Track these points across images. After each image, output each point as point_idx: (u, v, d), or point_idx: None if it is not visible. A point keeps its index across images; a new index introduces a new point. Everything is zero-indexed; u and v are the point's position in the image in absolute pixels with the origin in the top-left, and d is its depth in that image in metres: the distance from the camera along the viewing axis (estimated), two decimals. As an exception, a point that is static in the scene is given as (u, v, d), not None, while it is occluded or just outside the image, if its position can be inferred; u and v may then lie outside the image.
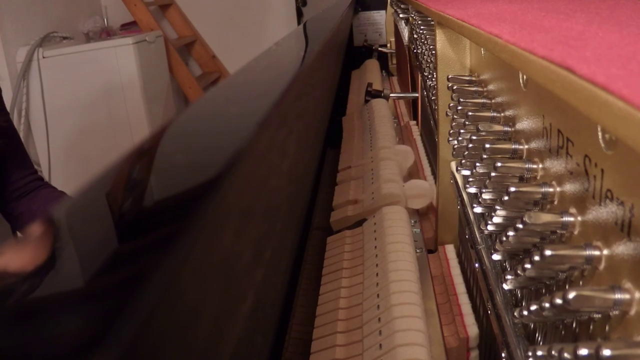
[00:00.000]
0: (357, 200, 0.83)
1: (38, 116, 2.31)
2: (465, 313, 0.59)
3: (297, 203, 0.53)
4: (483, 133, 0.47)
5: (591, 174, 0.29)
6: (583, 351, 0.23)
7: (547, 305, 0.27)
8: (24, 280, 0.17)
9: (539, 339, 0.37)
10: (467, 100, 0.55)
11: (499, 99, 0.51)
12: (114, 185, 0.25)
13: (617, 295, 0.24)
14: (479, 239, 0.52)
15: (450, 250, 0.71)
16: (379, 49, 2.16)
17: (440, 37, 0.66)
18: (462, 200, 0.61)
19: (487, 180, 0.40)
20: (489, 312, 0.46)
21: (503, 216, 0.37)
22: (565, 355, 0.24)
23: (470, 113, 0.51)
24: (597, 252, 0.28)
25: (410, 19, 1.16)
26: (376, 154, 0.94)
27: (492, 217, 0.38)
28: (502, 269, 0.46)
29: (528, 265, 0.30)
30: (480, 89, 0.57)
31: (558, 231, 0.32)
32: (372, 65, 1.96)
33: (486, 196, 0.42)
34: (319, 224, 0.85)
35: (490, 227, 0.39)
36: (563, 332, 0.33)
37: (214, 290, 0.24)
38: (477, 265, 0.52)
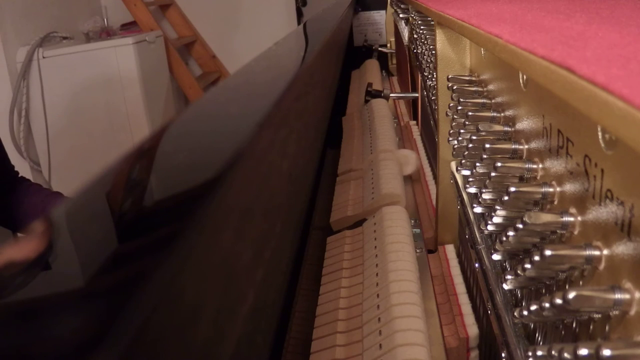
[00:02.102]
0: (356, 201, 0.83)
1: (38, 116, 2.31)
2: (465, 313, 0.59)
3: (297, 203, 0.52)
4: (483, 133, 0.47)
5: (591, 174, 0.29)
6: (583, 351, 0.23)
7: (547, 305, 0.27)
8: (26, 269, 0.18)
9: (539, 339, 0.37)
10: (467, 100, 0.55)
11: (499, 99, 0.51)
12: (114, 185, 0.25)
13: (617, 295, 0.24)
14: (479, 239, 0.52)
15: (450, 250, 0.71)
16: (379, 49, 2.16)
17: (440, 37, 0.66)
18: (462, 200, 0.61)
19: (487, 180, 0.40)
20: (489, 312, 0.46)
21: (503, 216, 0.37)
22: (565, 355, 0.24)
23: (470, 113, 0.51)
24: (597, 252, 0.28)
25: (410, 19, 1.16)
26: (376, 156, 0.94)
27: (492, 217, 0.38)
28: (502, 269, 0.46)
29: (528, 265, 0.30)
30: (480, 89, 0.57)
31: (558, 231, 0.32)
32: (372, 65, 1.96)
33: (486, 196, 0.42)
34: (319, 224, 0.85)
35: (490, 227, 0.39)
36: (563, 332, 0.33)
37: (214, 290, 0.24)
38: (477, 265, 0.52)
